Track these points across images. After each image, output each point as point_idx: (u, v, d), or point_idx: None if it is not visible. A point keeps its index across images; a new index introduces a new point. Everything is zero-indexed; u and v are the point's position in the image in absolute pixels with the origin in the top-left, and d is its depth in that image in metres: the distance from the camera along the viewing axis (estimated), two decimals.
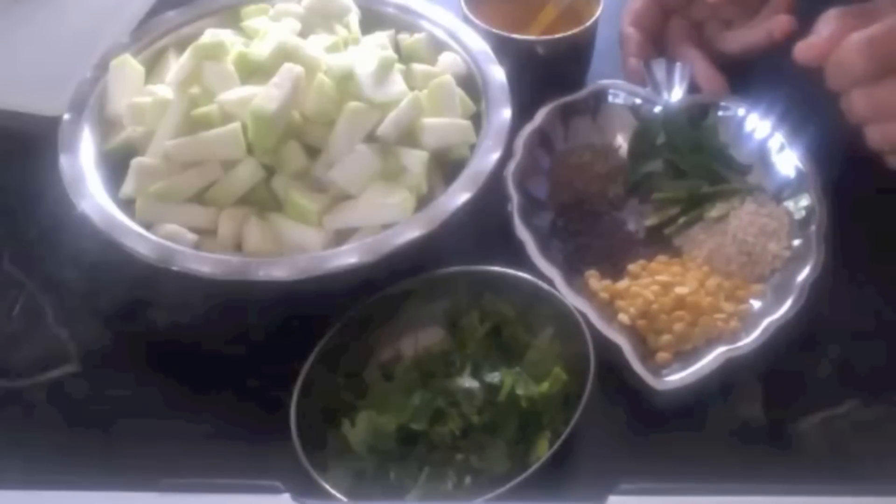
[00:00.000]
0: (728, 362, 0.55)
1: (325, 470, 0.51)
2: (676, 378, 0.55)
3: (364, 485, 0.51)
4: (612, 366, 0.55)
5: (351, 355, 0.57)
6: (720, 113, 0.68)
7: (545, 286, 0.57)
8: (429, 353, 0.57)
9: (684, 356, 0.57)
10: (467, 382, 0.54)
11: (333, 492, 0.49)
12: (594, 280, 0.61)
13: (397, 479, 0.52)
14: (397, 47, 0.70)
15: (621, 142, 0.69)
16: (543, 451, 0.50)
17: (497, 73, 0.67)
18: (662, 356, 0.57)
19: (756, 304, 0.59)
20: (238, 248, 0.61)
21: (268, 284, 0.56)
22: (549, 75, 0.72)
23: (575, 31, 0.71)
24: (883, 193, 0.65)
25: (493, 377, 0.54)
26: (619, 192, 0.66)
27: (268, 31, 0.67)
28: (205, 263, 0.57)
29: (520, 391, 0.52)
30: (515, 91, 0.65)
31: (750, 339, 0.56)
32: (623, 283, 0.60)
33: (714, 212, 0.63)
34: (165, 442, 0.56)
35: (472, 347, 0.56)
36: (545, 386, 0.52)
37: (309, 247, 0.59)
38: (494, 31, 0.71)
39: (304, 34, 0.68)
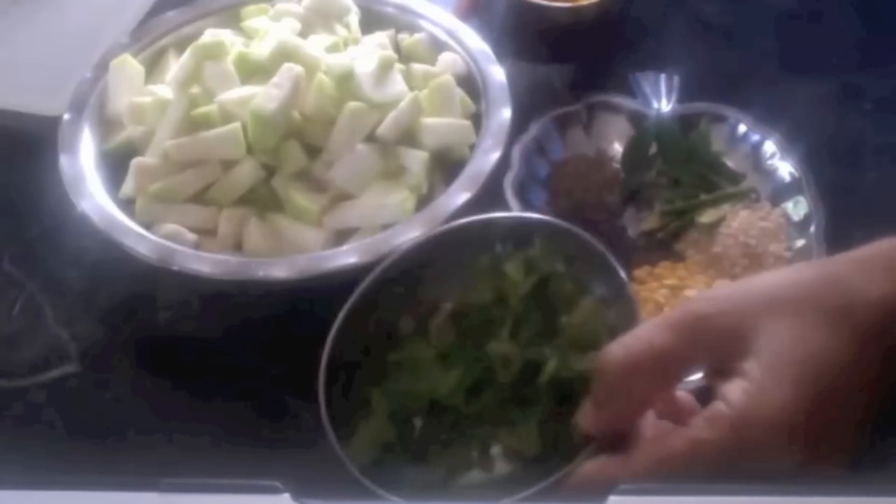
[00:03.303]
0: None
1: (349, 436, 0.49)
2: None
3: (387, 452, 0.50)
4: None
5: (388, 301, 0.54)
6: (711, 122, 0.68)
7: (599, 245, 0.52)
8: (468, 305, 0.54)
9: None
10: (505, 348, 0.51)
11: (351, 468, 0.47)
12: None
13: (422, 447, 0.50)
14: (397, 47, 0.70)
15: (617, 150, 0.69)
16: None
17: (497, 73, 0.67)
18: None
19: None
20: (238, 248, 0.61)
21: (268, 284, 0.56)
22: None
23: None
24: (880, 192, 0.65)
25: (535, 353, 0.50)
26: (615, 201, 0.66)
27: (268, 31, 0.67)
28: (205, 263, 0.57)
29: (563, 374, 0.49)
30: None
31: None
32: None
33: (705, 217, 0.64)
34: (165, 442, 0.56)
35: (514, 303, 0.53)
36: (588, 363, 0.48)
37: (309, 247, 0.59)
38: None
39: (304, 34, 0.68)
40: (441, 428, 0.51)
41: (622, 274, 0.51)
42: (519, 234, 0.54)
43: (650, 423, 0.46)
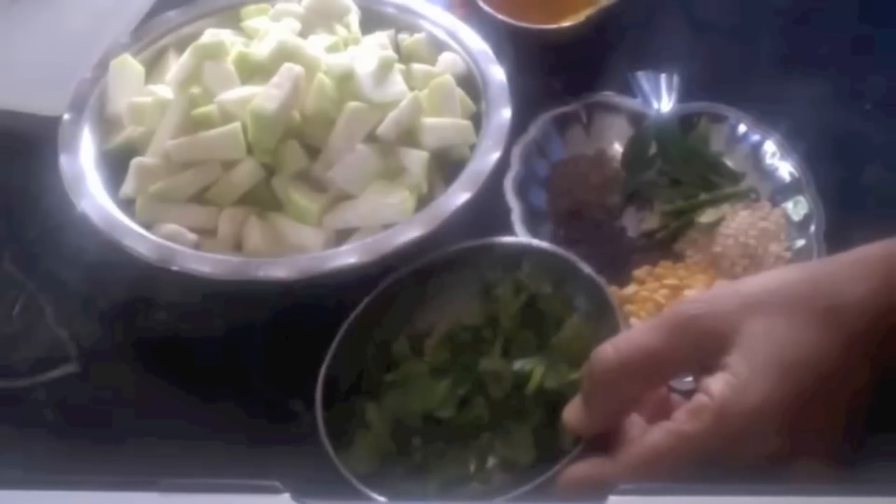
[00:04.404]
0: None
1: (348, 447, 0.50)
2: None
3: (386, 465, 0.51)
4: None
5: (383, 324, 0.56)
6: (711, 122, 0.68)
7: (583, 265, 0.54)
8: (461, 326, 0.56)
9: None
10: (496, 365, 0.53)
11: (348, 475, 0.48)
12: None
13: (419, 460, 0.51)
14: (397, 47, 0.70)
15: (617, 150, 0.69)
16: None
17: (497, 73, 0.67)
18: None
19: None
20: (238, 248, 0.61)
21: (268, 284, 0.56)
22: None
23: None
24: (880, 192, 0.65)
25: (524, 364, 0.52)
26: (615, 201, 0.66)
27: (268, 31, 0.67)
28: (205, 263, 0.57)
29: (550, 384, 0.51)
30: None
31: None
32: (631, 289, 0.60)
33: (705, 217, 0.64)
34: (165, 442, 0.56)
35: (505, 322, 0.55)
36: (576, 374, 0.50)
37: (309, 247, 0.59)
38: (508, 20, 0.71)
39: (304, 34, 0.68)
40: (438, 441, 0.52)
41: (607, 291, 0.53)
42: (508, 258, 0.57)
43: (640, 426, 0.46)
